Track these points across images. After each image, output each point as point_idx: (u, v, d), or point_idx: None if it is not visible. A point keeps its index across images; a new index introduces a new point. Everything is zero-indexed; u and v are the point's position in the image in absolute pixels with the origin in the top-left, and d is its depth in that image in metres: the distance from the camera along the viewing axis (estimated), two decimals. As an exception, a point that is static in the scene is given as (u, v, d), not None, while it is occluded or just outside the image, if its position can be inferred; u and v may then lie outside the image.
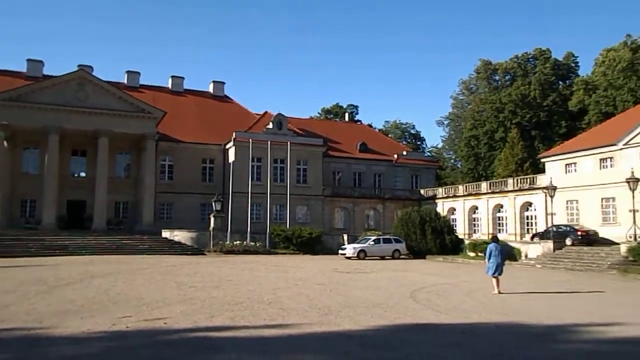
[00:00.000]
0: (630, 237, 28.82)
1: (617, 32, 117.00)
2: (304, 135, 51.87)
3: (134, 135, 44.63)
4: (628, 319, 12.11)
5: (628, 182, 29.76)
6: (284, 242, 41.21)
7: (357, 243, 38.17)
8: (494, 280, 16.78)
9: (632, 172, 30.33)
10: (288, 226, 42.86)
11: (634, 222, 29.16)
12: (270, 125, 49.56)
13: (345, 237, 43.14)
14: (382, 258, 37.04)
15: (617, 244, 30.02)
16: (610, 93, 57.41)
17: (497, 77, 70.73)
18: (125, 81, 53.67)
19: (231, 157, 45.28)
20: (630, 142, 34.29)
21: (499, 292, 16.42)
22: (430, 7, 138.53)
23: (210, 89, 58.82)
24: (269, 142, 44.92)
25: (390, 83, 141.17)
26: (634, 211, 29.44)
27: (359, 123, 75.72)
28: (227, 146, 48.09)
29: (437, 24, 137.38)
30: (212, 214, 41.54)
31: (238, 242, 39.33)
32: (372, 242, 37.57)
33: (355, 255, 36.00)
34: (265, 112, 53.99)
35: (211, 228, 40.73)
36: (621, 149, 34.91)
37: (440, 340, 9.73)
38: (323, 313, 12.22)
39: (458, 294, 16.70)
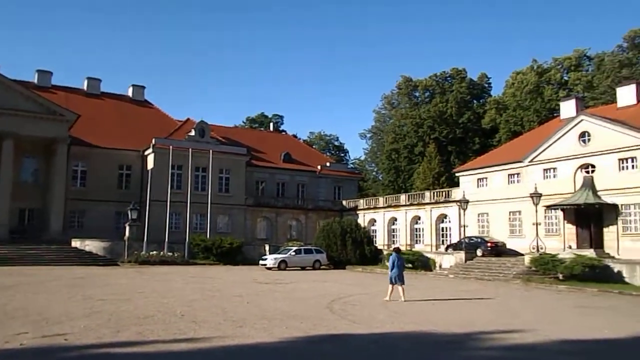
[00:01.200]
0: (533, 248, 30.78)
1: (525, 56, 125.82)
2: (227, 143, 51.12)
3: (44, 138, 41.79)
4: (528, 326, 12.84)
5: (532, 197, 31.82)
6: (203, 252, 40.20)
7: (278, 253, 37.99)
8: (399, 288, 17.58)
9: (536, 188, 32.49)
10: (208, 236, 41.90)
11: (537, 234, 31.19)
12: (193, 133, 48.41)
13: (267, 247, 42.85)
14: (303, 268, 37.08)
15: (522, 254, 31.96)
16: (519, 113, 61.44)
17: (417, 94, 73.56)
18: (36, 81, 50.36)
19: (150, 164, 43.70)
20: (535, 160, 36.77)
21: (400, 299, 17.19)
22: (356, 24, 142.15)
23: (130, 92, 56.57)
24: (190, 150, 43.82)
25: (316, 95, 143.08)
26: (537, 224, 31.51)
27: (283, 133, 75.87)
28: (146, 152, 46.36)
29: (363, 40, 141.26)
30: (128, 223, 39.78)
31: (155, 252, 37.87)
32: (293, 253, 37.54)
33: (276, 265, 35.79)
34: (187, 119, 52.70)
35: (126, 237, 38.97)
36: (527, 165, 37.33)
37: (352, 351, 9.82)
38: (237, 325, 11.98)
39: (374, 304, 17.00)
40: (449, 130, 66.30)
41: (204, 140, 48.22)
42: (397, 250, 19.14)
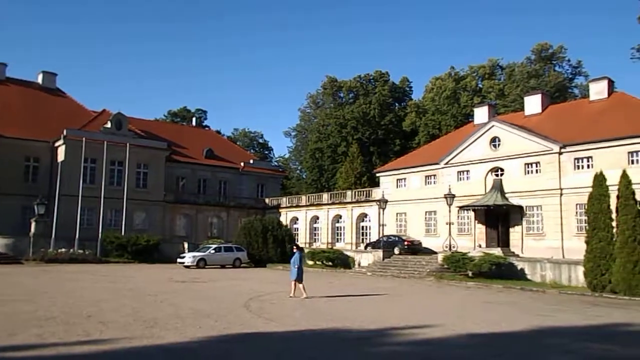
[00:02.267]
0: (446, 247, 32.24)
1: (444, 63, 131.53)
2: (146, 137, 49.21)
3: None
4: (437, 321, 13.40)
5: (446, 198, 33.32)
6: (117, 250, 38.49)
7: (198, 251, 37.14)
8: (299, 285, 17.99)
9: (450, 189, 34.06)
10: (123, 233, 40.17)
11: (449, 233, 32.71)
12: (109, 125, 46.14)
13: (186, 245, 41.77)
14: (223, 267, 36.52)
15: (436, 253, 33.37)
16: (437, 117, 64.08)
17: (341, 94, 74.62)
18: None
19: (60, 157, 41.15)
20: (450, 162, 38.51)
21: (302, 296, 17.57)
22: (283, 23, 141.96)
23: (39, 80, 52.88)
24: (105, 143, 41.78)
25: (241, 91, 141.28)
26: (450, 224, 33.05)
27: (206, 129, 74.25)
28: (57, 144, 43.63)
29: (289, 38, 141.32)
30: (34, 218, 37.25)
31: (64, 249, 35.77)
32: (213, 251, 36.85)
33: (195, 264, 34.98)
34: (104, 110, 50.13)
35: (31, 234, 36.49)
36: (442, 167, 39.02)
37: (266, 349, 9.75)
38: (148, 326, 11.55)
39: (291, 302, 17.03)
40: (372, 131, 67.87)
41: (120, 132, 46.12)
42: (299, 248, 19.59)
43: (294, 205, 52.76)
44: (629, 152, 29.09)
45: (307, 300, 17.20)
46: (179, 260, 36.17)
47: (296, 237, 48.62)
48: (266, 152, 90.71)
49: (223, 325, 11.96)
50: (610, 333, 12.75)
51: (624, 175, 21.72)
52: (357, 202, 46.41)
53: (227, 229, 51.87)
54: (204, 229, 51.79)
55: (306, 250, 40.61)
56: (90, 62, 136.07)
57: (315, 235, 50.79)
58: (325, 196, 50.61)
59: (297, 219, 52.35)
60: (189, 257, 35.60)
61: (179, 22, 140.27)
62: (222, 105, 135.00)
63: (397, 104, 73.45)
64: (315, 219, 50.86)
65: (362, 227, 46.55)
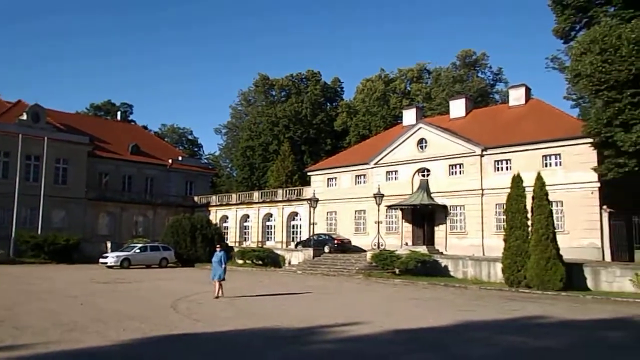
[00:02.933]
0: (375, 245, 32.98)
1: (375, 65, 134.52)
2: (66, 131, 46.59)
3: None
4: (365, 318, 13.66)
5: (375, 197, 34.08)
6: (33, 249, 36.24)
7: (121, 251, 35.69)
8: (218, 284, 17.81)
9: (379, 188, 34.87)
10: (40, 231, 37.85)
11: (378, 232, 33.49)
12: (24, 117, 43.23)
13: (109, 244, 40.02)
14: (149, 267, 35.33)
15: (365, 251, 34.04)
16: (367, 118, 65.35)
17: (273, 92, 74.29)
18: None
19: (-31, 149, 38.13)
20: (379, 162, 39.41)
21: (222, 296, 17.51)
22: (217, 18, 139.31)
23: (-54, 65, 48.75)
24: (20, 135, 39.16)
25: (170, 86, 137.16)
26: (378, 222, 33.84)
27: (132, 123, 71.47)
28: (-35, 136, 40.38)
29: (222, 34, 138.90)
30: (-63, 216, 34.34)
31: (-29, 250, 33.23)
32: (138, 250, 35.55)
33: (118, 264, 33.59)
34: (19, 101, 46.95)
35: None
36: (372, 167, 39.85)
37: (193, 351, 9.53)
38: (67, 329, 10.96)
39: (220, 302, 16.76)
40: (303, 130, 68.14)
41: (38, 125, 43.37)
42: (222, 247, 19.38)
43: (224, 203, 51.95)
44: (543, 156, 31.04)
45: (236, 300, 17.00)
46: (101, 260, 34.57)
47: (226, 235, 47.92)
48: (195, 149, 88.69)
49: (149, 327, 11.57)
50: (525, 325, 13.54)
51: (539, 177, 23.15)
52: (288, 200, 46.42)
53: (153, 228, 50.20)
54: (129, 227, 49.84)
55: (236, 249, 40.25)
56: (4, 49, 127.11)
57: (245, 234, 50.28)
58: (256, 194, 50.21)
59: (227, 218, 51.60)
60: (112, 257, 34.13)
61: (106, 14, 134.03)
62: (149, 100, 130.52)
63: (328, 104, 74.19)
64: (245, 217, 50.35)
65: (293, 225, 46.62)
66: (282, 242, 45.59)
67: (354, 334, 11.37)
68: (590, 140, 27.23)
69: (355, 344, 10.53)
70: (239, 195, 52.25)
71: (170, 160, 55.66)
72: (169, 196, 53.78)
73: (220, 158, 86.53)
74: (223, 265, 17.92)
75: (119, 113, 70.16)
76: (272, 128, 68.46)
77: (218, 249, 18.64)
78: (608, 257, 27.67)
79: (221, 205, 52.11)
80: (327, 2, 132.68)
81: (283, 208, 46.68)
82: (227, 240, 46.23)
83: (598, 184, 28.47)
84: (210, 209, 52.49)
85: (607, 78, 24.00)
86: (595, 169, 27.78)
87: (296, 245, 40.75)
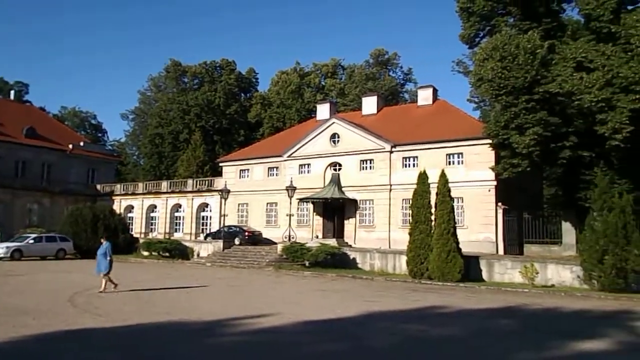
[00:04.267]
0: (286, 237, 33.13)
1: (290, 57, 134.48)
2: (-51, 108, 42.17)
3: None
4: (275, 310, 13.70)
5: (287, 190, 34.21)
6: None
7: (12, 241, 33.04)
8: (104, 278, 17.01)
9: (291, 181, 35.04)
10: None
11: (290, 224, 33.66)
12: None
13: (-2, 234, 36.90)
14: (44, 258, 33.01)
15: (276, 243, 34.09)
16: (282, 110, 65.36)
17: (185, 80, 72.02)
18: None
19: None
20: (293, 155, 39.58)
21: (113, 290, 16.84)
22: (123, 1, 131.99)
23: None
24: None
25: (71, 66, 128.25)
26: (290, 215, 34.00)
27: (28, 104, 66.09)
28: None
29: (128, 17, 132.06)
30: None
31: None
32: (32, 241, 33.08)
33: (8, 255, 31.07)
34: None
35: None
36: (285, 160, 39.93)
37: (92, 348, 9.04)
38: (-54, 328, 9.95)
39: (123, 295, 16.04)
40: (216, 120, 66.74)
41: None
42: (108, 238, 18.55)
43: (130, 193, 49.66)
44: (447, 154, 32.75)
45: (141, 293, 16.37)
46: (-12, 251, 31.77)
47: (131, 226, 45.92)
48: (99, 134, 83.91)
49: (44, 322, 10.83)
50: (426, 315, 14.27)
51: (443, 175, 24.43)
52: (199, 191, 45.33)
53: (50, 217, 46.80)
54: (22, 216, 46.18)
55: (142, 241, 38.67)
56: None
57: (152, 225, 48.43)
58: (164, 184, 48.47)
59: (133, 208, 49.41)
60: (1, 248, 31.49)
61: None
62: (48, 80, 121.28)
63: (243, 94, 73.24)
64: (152, 208, 48.48)
65: (203, 217, 45.60)
66: (191, 233, 44.44)
67: (264, 326, 11.36)
68: (489, 141, 29.15)
69: (266, 336, 10.53)
70: (146, 184, 50.19)
71: (70, 146, 52.20)
72: (68, 184, 50.42)
73: (127, 145, 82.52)
74: (108, 258, 16.96)
75: (12, 92, 64.49)
76: (183, 116, 66.41)
77: (104, 241, 17.61)
78: (501, 251, 29.82)
79: (126, 194, 49.78)
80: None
81: (193, 199, 45.51)
82: (131, 231, 44.29)
83: (495, 182, 30.54)
84: (114, 198, 49.97)
85: (506, 84, 25.78)
86: (492, 168, 29.78)
87: (206, 237, 39.90)
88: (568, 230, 29.22)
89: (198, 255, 35.19)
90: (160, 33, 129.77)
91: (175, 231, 46.35)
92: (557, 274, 22.73)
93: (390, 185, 34.66)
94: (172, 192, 46.90)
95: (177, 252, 35.25)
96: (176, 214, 47.18)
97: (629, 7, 26.25)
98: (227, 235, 36.07)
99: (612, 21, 25.11)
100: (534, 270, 21.68)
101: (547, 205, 38.25)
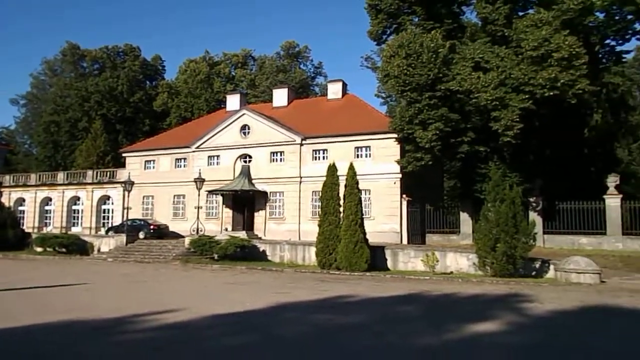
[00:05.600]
0: (194, 230, 32.31)
1: (200, 46, 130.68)
2: None
3: None
4: (182, 305, 13.32)
5: (196, 182, 33.33)
6: None
7: None
8: None
9: (200, 173, 34.19)
10: None
11: (198, 217, 32.84)
12: None
13: None
14: None
15: (184, 237, 33.14)
16: (190, 100, 63.38)
17: (85, 64, 67.62)
18: None
19: None
20: (201, 147, 38.61)
21: None
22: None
23: None
24: None
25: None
26: (198, 207, 33.19)
27: None
28: None
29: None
30: None
31: None
32: None
33: None
34: None
35: None
36: (194, 151, 38.87)
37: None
38: None
39: (13, 295, 14.83)
40: (119, 108, 63.34)
41: None
42: None
43: (21, 184, 45.94)
44: (355, 147, 33.58)
45: (34, 292, 15.21)
46: None
47: (22, 220, 42.58)
48: (-16, 120, 76.64)
49: None
50: (334, 304, 14.58)
51: (351, 167, 25.01)
52: (99, 183, 42.92)
53: None
54: None
55: (35, 236, 35.97)
56: None
57: (46, 219, 45.18)
58: (60, 175, 45.33)
59: (24, 201, 45.78)
60: None
61: None
62: None
63: (148, 82, 70.09)
64: (47, 200, 45.20)
65: (104, 210, 43.27)
66: (90, 227, 42.04)
67: (170, 321, 11.02)
68: (395, 135, 30.32)
69: (172, 331, 10.22)
70: (40, 175, 46.69)
71: (-50, 132, 47.25)
72: (-53, 174, 45.65)
73: (17, 133, 76.05)
74: None
75: None
76: (82, 103, 62.33)
77: None
78: (405, 241, 31.18)
79: (17, 186, 46.01)
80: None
81: (93, 191, 43.01)
82: (23, 226, 41.06)
83: (400, 175, 31.81)
84: (2, 190, 45.98)
85: (411, 80, 26.91)
86: (398, 162, 31.01)
87: (107, 231, 37.90)
88: (466, 221, 31.20)
89: (99, 250, 33.35)
90: (56, 12, 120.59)
91: (74, 225, 43.64)
92: (456, 261, 24.16)
93: (301, 177, 34.94)
94: (70, 183, 44.04)
95: (75, 247, 33.15)
96: (74, 207, 44.38)
97: (520, 13, 28.38)
98: (131, 228, 34.53)
99: (506, 25, 27.02)
100: (434, 259, 22.86)
101: (447, 197, 40.61)
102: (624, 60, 31.51)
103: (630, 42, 33.12)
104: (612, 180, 28.18)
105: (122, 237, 33.31)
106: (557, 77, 24.57)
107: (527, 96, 25.40)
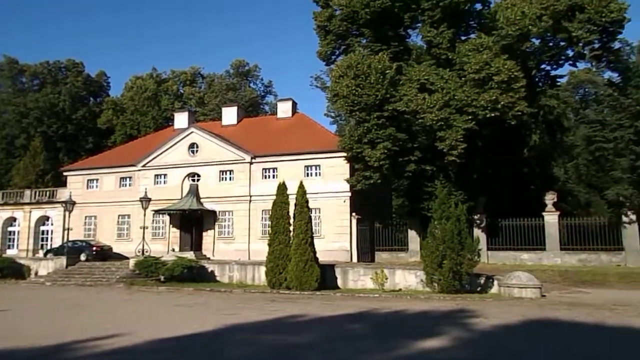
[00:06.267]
0: (139, 252, 31.29)
1: (147, 63, 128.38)
2: None
3: None
4: (125, 329, 12.80)
5: (142, 201, 32.38)
6: None
7: None
8: None
9: (146, 192, 33.26)
10: None
11: (143, 238, 31.84)
12: None
13: None
14: None
15: (128, 258, 32.01)
16: (136, 117, 61.91)
17: (24, 80, 64.93)
18: None
19: None
20: (148, 165, 37.67)
21: None
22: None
23: None
24: None
25: None
26: (144, 228, 32.18)
27: None
28: None
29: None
30: None
31: None
32: None
33: None
34: None
35: None
36: (140, 170, 37.86)
37: None
38: None
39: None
40: (60, 125, 61.01)
41: None
42: None
43: (-49, 205, 43.20)
44: (305, 166, 33.71)
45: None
46: None
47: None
48: None
49: None
50: (283, 324, 14.42)
51: (301, 186, 25.02)
52: (38, 203, 41.01)
53: None
54: None
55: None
56: None
57: (-22, 242, 42.61)
58: (-5, 195, 43.01)
59: (-46, 222, 43.05)
60: None
61: None
62: None
63: (92, 99, 68.00)
64: (-20, 222, 42.68)
65: (43, 231, 41.30)
66: (27, 250, 40.00)
67: (114, 347, 10.56)
68: (345, 154, 30.66)
69: (114, 357, 9.79)
70: (-27, 195, 44.09)
71: None
72: None
73: (-53, 149, 71.76)
74: None
75: None
76: (21, 120, 59.68)
77: None
78: (355, 259, 31.37)
79: (-54, 207, 43.21)
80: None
81: (31, 211, 41.02)
82: (-47, 249, 38.56)
83: (350, 194, 32.12)
84: None
85: (359, 100, 27.41)
86: (347, 180, 31.33)
87: (46, 254, 36.12)
88: (413, 238, 31.78)
89: (36, 274, 31.72)
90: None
91: (9, 247, 41.41)
92: (404, 278, 24.49)
93: (250, 196, 34.68)
94: (6, 204, 41.90)
95: (10, 271, 31.35)
96: (10, 229, 42.17)
97: (463, 38, 29.61)
98: (72, 250, 33.04)
99: (449, 49, 28.09)
100: (383, 277, 23.08)
101: (395, 214, 41.30)
102: (558, 84, 33.37)
103: (564, 67, 35.21)
104: (550, 198, 29.55)
105: (62, 260, 31.82)
106: (497, 99, 25.70)
107: (470, 117, 26.37)
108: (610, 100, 31.73)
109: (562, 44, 29.83)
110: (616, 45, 30.27)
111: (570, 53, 30.77)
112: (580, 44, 29.17)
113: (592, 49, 29.76)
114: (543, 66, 31.76)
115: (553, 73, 32.17)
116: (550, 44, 30.17)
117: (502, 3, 28.66)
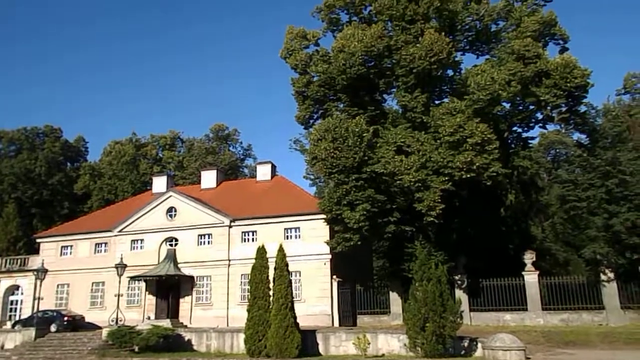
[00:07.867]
0: (112, 321, 30.09)
1: (126, 127, 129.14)
2: None
3: None
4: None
5: (117, 268, 31.46)
6: None
7: None
8: None
9: (122, 258, 32.42)
10: None
11: (118, 306, 30.70)
12: None
13: None
14: None
15: (101, 328, 30.69)
16: (114, 182, 61.41)
17: (0, 146, 64.48)
18: None
19: None
20: (124, 230, 36.99)
21: None
22: None
23: None
24: None
25: None
26: (119, 295, 31.07)
27: None
28: None
29: None
30: None
31: None
32: None
33: None
34: None
35: None
36: (116, 235, 37.11)
37: None
38: None
39: None
40: (35, 191, 60.03)
41: None
42: None
43: None
44: (285, 228, 33.50)
45: None
46: None
47: None
48: None
49: None
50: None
51: (281, 249, 24.72)
52: (8, 271, 39.60)
53: None
54: None
55: None
56: None
57: (-58, 314, 40.59)
58: (-37, 264, 41.46)
59: None
60: None
61: None
62: None
63: (69, 164, 67.50)
64: (-56, 292, 40.85)
65: (12, 301, 39.63)
66: (-5, 321, 38.18)
67: None
68: (324, 216, 30.64)
69: None
70: (-61, 264, 42.43)
71: None
72: None
73: None
74: None
75: None
76: (-7, 186, 58.66)
77: None
78: (337, 323, 30.67)
79: None
80: (81, 58, 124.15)
81: (0, 280, 39.51)
82: None
83: (330, 256, 31.84)
84: None
85: (338, 163, 27.76)
86: (327, 242, 31.14)
87: (14, 325, 34.46)
88: (395, 300, 31.34)
89: (2, 347, 30.14)
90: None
91: (-25, 319, 39.45)
92: (387, 343, 23.91)
93: (229, 260, 34.16)
94: (-26, 273, 40.29)
95: (-25, 345, 29.80)
96: (-23, 299, 40.33)
97: (437, 102, 30.65)
98: (41, 321, 31.62)
99: (424, 112, 28.96)
100: (366, 341, 22.52)
101: (376, 276, 40.89)
102: (530, 145, 34.39)
103: (535, 129, 36.50)
104: (529, 257, 29.71)
105: (31, 332, 30.34)
106: (472, 161, 26.29)
107: (446, 178, 26.83)
108: (581, 161, 32.71)
109: (531, 107, 31.03)
110: (582, 108, 31.67)
111: (539, 116, 31.98)
112: (549, 108, 30.46)
113: (560, 112, 31.09)
114: (515, 128, 32.84)
115: (524, 135, 33.24)
116: (520, 108, 31.37)
117: (472, 69, 29.90)
